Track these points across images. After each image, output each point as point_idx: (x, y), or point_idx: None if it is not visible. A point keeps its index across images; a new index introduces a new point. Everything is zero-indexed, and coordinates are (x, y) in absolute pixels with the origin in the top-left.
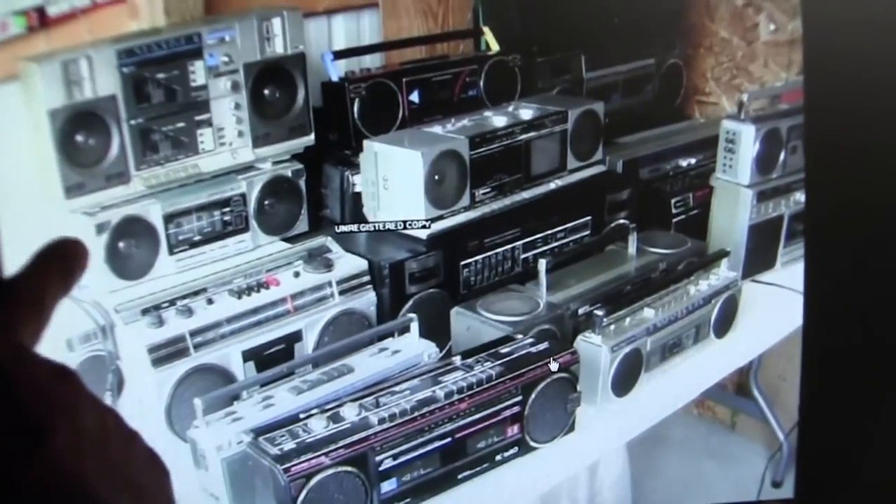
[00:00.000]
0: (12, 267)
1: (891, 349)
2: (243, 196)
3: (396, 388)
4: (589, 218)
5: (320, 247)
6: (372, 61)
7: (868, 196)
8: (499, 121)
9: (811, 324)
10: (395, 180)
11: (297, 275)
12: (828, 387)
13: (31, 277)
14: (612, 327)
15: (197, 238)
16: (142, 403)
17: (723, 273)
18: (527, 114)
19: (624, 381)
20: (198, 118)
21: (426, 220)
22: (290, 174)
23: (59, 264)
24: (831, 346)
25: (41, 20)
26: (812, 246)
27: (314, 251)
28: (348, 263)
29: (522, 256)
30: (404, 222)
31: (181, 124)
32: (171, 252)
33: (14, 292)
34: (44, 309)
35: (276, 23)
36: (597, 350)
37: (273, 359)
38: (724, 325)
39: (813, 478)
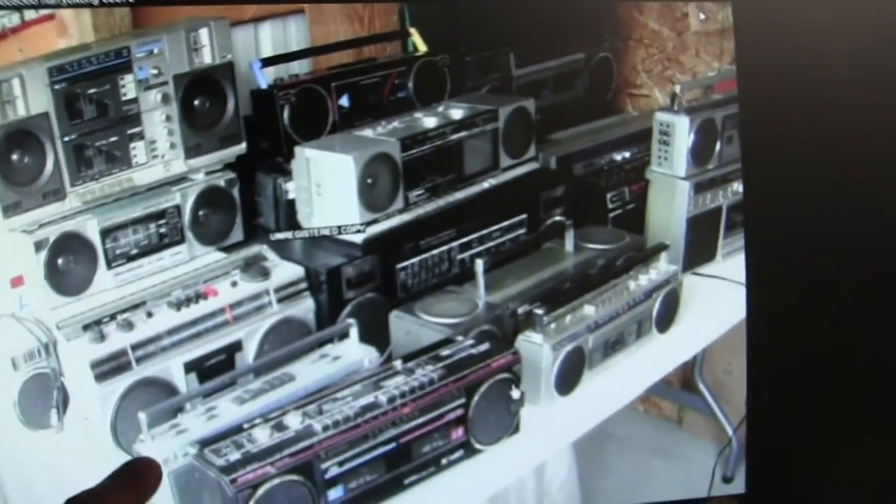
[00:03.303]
0: None
1: (835, 337)
2: (178, 207)
3: (338, 395)
4: (524, 216)
5: (256, 255)
6: (300, 67)
7: (807, 184)
8: (429, 122)
9: (755, 315)
10: (327, 185)
11: (234, 284)
12: (774, 379)
13: (100, 495)
14: (553, 325)
15: (134, 251)
16: (87, 419)
17: (662, 267)
18: (457, 113)
19: (567, 379)
20: (130, 132)
21: (361, 225)
22: (223, 184)
23: (129, 483)
24: (776, 337)
25: None
26: (752, 236)
27: (250, 260)
28: (285, 271)
29: (459, 257)
30: (339, 227)
31: (114, 139)
32: (110, 266)
33: None
34: None
35: (204, 33)
36: (538, 349)
37: (214, 369)
38: (666, 319)
39: (764, 472)
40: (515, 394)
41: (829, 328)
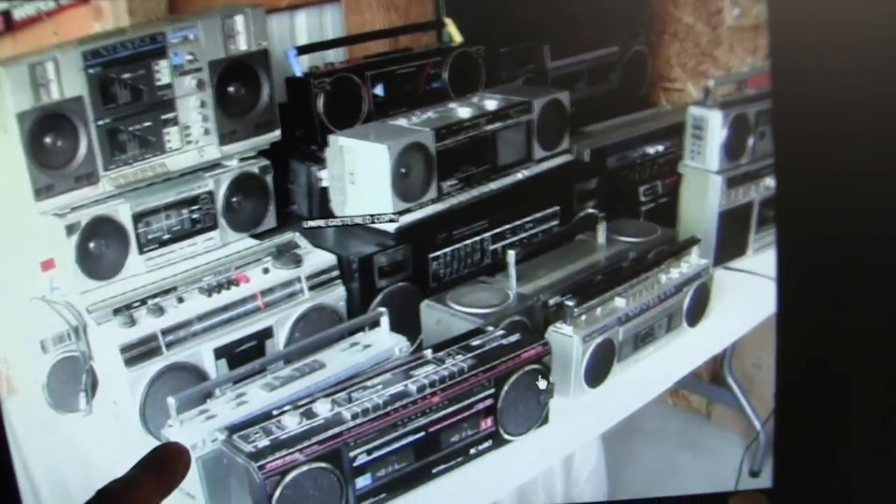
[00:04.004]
0: None
1: (865, 333)
2: (211, 194)
3: (368, 383)
4: (557, 208)
5: (289, 243)
6: (336, 56)
7: (838, 179)
8: (464, 112)
9: (785, 310)
10: (361, 174)
11: (266, 271)
12: (803, 373)
13: (128, 483)
14: (584, 317)
15: (166, 237)
16: (116, 403)
17: (694, 261)
18: (492, 104)
19: (597, 371)
20: (164, 117)
21: (394, 214)
22: (257, 171)
23: (157, 470)
24: (805, 331)
25: (7, 24)
26: (783, 231)
27: (283, 247)
28: (317, 259)
29: (491, 248)
30: (372, 216)
31: (148, 124)
32: (141, 251)
33: (110, 499)
34: None
35: (240, 20)
36: (568, 341)
37: (245, 356)
38: (696, 313)
39: (791, 466)
40: (544, 385)
41: (859, 323)
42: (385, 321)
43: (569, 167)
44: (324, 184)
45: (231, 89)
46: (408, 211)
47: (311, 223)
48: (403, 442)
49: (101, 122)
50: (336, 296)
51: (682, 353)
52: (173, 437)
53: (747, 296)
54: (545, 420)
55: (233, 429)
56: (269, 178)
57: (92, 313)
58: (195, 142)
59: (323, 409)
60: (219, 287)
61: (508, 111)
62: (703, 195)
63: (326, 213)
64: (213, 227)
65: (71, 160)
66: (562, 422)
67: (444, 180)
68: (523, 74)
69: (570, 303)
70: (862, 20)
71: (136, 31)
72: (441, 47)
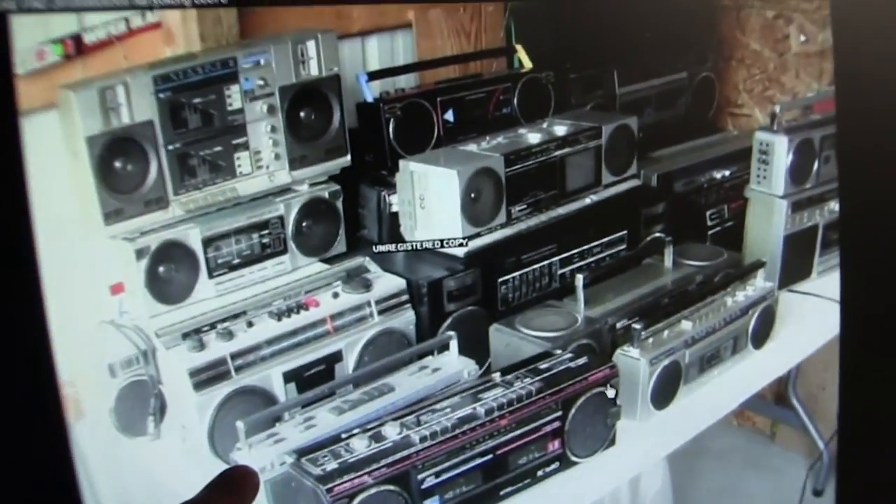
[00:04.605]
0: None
1: None
2: (281, 218)
3: (437, 406)
4: (625, 232)
5: (358, 267)
6: (406, 81)
7: None
8: (533, 137)
9: (848, 332)
10: (431, 199)
11: (335, 295)
12: (865, 395)
13: None
14: (651, 340)
15: (236, 261)
16: (185, 427)
17: (759, 284)
18: (561, 130)
19: (663, 393)
20: (235, 142)
21: (463, 238)
22: (327, 195)
23: (227, 493)
24: (868, 354)
25: (77, 48)
26: (847, 255)
27: (352, 271)
28: (387, 283)
29: (559, 272)
30: (442, 241)
31: (218, 148)
32: (211, 275)
33: None
34: None
35: (311, 45)
36: (635, 363)
37: (314, 379)
38: (761, 335)
39: (853, 486)
40: (612, 393)
41: None
42: (454, 345)
43: (636, 192)
44: (394, 209)
45: (302, 114)
46: (477, 235)
47: (381, 248)
48: (471, 464)
49: (171, 147)
50: (405, 320)
51: (748, 374)
52: (242, 460)
53: (812, 318)
54: (612, 442)
55: (301, 452)
56: (339, 203)
57: (161, 337)
58: (266, 167)
59: (391, 432)
60: (288, 311)
61: (577, 136)
62: (769, 219)
63: (396, 237)
64: (284, 251)
65: (141, 184)
66: (628, 444)
67: (513, 205)
68: (592, 100)
69: (637, 326)
70: None
71: (208, 55)
72: (511, 73)
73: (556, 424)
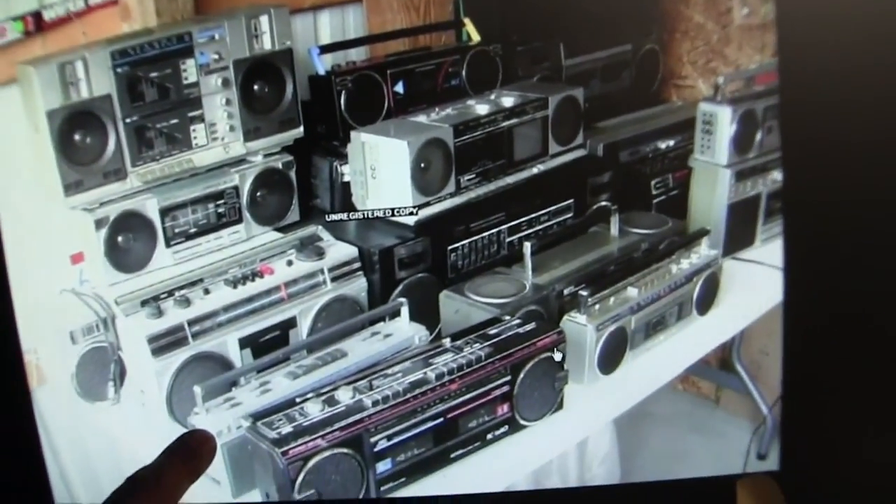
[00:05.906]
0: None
1: (868, 320)
2: (236, 188)
3: (389, 371)
4: (571, 201)
5: (312, 235)
6: (357, 55)
7: (844, 173)
8: (481, 109)
9: (791, 299)
10: (382, 169)
11: (290, 263)
12: (808, 360)
13: (157, 470)
14: (597, 307)
15: (193, 230)
16: (143, 392)
17: (703, 251)
18: (508, 101)
19: (610, 358)
20: (190, 114)
21: (413, 207)
22: (280, 166)
23: (185, 457)
24: (811, 320)
25: (37, 25)
26: (790, 223)
27: (306, 240)
28: (339, 251)
29: (508, 240)
30: (392, 209)
31: (175, 121)
32: (168, 245)
33: (140, 485)
34: (168, 500)
35: (264, 20)
36: (582, 329)
37: (269, 345)
38: (706, 302)
39: (797, 449)
40: (559, 356)
41: (863, 311)
42: (405, 311)
43: (583, 161)
44: (345, 178)
45: (256, 87)
46: (427, 204)
47: (334, 217)
48: (423, 428)
49: (128, 120)
50: (357, 287)
51: (692, 340)
52: (199, 424)
53: (755, 285)
54: (560, 406)
55: (257, 416)
56: (292, 174)
57: (120, 305)
58: (221, 138)
59: (345, 396)
60: (244, 279)
61: (524, 108)
62: (713, 188)
63: (348, 206)
64: (239, 220)
65: (99, 157)
66: (576, 408)
67: (463, 175)
68: (539, 72)
69: (584, 292)
70: (865, 18)
71: (164, 30)
72: (459, 46)
73: (506, 389)
